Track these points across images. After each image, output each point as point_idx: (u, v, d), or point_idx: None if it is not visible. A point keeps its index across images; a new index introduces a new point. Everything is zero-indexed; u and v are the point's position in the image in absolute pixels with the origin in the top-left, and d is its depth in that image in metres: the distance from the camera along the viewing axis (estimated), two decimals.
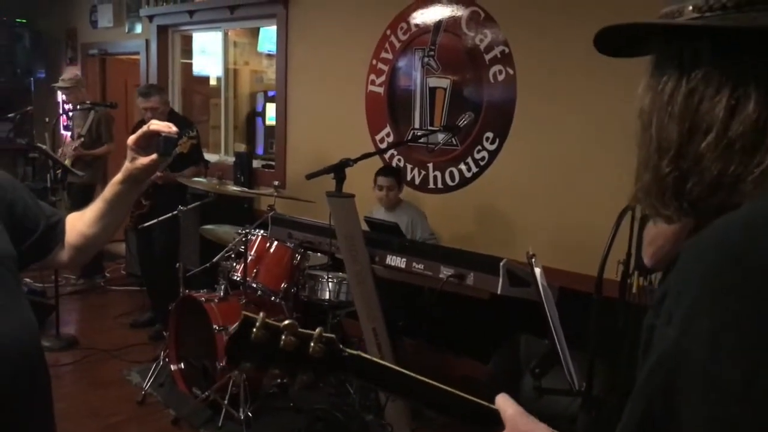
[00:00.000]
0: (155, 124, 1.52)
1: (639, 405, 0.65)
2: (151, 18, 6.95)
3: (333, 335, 1.04)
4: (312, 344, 1.01)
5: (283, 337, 1.00)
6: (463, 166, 4.44)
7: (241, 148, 6.85)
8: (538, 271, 2.02)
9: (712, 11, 0.70)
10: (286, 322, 1.01)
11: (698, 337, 0.60)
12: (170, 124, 1.53)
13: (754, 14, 0.67)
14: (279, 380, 3.85)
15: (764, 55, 0.67)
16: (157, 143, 1.52)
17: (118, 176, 1.57)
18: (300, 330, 1.01)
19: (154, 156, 1.52)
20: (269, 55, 6.75)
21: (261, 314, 1.03)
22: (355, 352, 1.06)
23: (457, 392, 1.05)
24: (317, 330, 1.02)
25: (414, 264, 2.62)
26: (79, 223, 1.63)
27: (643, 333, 0.69)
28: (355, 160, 2.80)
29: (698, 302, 0.61)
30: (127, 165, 1.55)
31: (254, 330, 0.99)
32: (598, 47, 0.81)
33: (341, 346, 1.04)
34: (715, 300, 0.60)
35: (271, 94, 6.71)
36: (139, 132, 1.53)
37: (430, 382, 1.06)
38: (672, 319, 0.62)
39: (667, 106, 0.73)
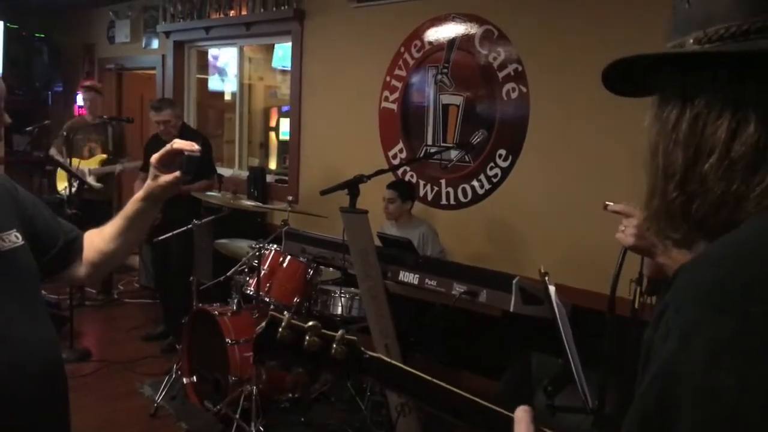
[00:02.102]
0: (178, 143, 1.55)
1: (637, 415, 0.67)
2: (168, 34, 7.04)
3: (354, 337, 1.08)
4: (335, 345, 1.05)
5: (307, 337, 1.04)
6: (475, 183, 4.45)
7: (255, 162, 6.90)
8: (552, 288, 2.02)
9: (711, 43, 0.73)
10: (311, 323, 1.06)
11: (696, 350, 0.61)
12: (193, 144, 1.56)
13: (750, 43, 0.71)
14: (291, 394, 3.86)
15: (762, 79, 0.70)
16: (180, 162, 1.55)
17: (140, 193, 1.60)
18: (324, 331, 1.06)
19: (177, 173, 1.55)
20: (283, 71, 6.81)
21: (286, 314, 1.07)
22: (375, 354, 1.10)
23: (474, 398, 1.08)
24: (340, 332, 1.06)
25: (427, 280, 2.64)
26: (97, 240, 1.66)
27: (643, 347, 0.71)
28: (369, 176, 2.83)
29: (697, 317, 0.63)
30: (149, 183, 1.58)
31: (280, 330, 1.04)
32: (607, 85, 0.85)
33: (362, 348, 1.08)
34: (714, 315, 0.62)
35: (285, 109, 6.77)
36: (163, 150, 1.56)
37: (448, 387, 1.09)
38: (670, 333, 0.64)
39: (672, 133, 0.76)
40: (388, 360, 1.11)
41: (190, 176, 1.56)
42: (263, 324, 1.06)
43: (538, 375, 3.95)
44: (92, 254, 1.66)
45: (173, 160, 1.56)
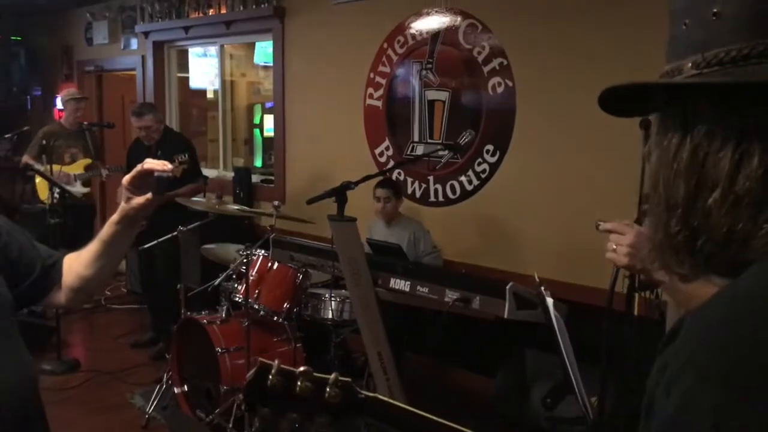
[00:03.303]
0: (149, 163, 1.50)
1: None
2: (146, 34, 6.93)
3: (349, 379, 1.05)
4: (328, 389, 1.03)
5: (299, 383, 1.02)
6: (464, 179, 4.40)
7: (240, 162, 6.82)
8: (550, 301, 1.98)
9: (710, 67, 0.69)
10: (301, 368, 1.03)
11: (699, 414, 0.59)
12: (165, 163, 1.51)
13: (752, 68, 0.66)
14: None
15: (765, 109, 0.66)
16: (152, 182, 1.49)
17: (114, 216, 1.54)
18: (315, 375, 1.04)
19: (148, 195, 1.50)
20: (266, 67, 6.72)
21: (276, 361, 1.05)
22: (371, 394, 1.07)
23: None
24: (333, 375, 1.04)
25: (418, 287, 2.59)
26: (75, 264, 1.60)
27: (646, 396, 0.69)
28: (357, 183, 2.77)
29: (699, 376, 0.61)
30: (122, 205, 1.53)
31: (270, 377, 1.02)
32: (603, 107, 0.81)
33: (357, 389, 1.06)
34: (718, 377, 0.60)
35: (268, 105, 6.69)
36: (134, 172, 1.51)
37: (449, 424, 1.06)
38: (672, 392, 0.62)
39: (672, 163, 0.72)
40: (386, 399, 1.09)
41: (162, 196, 1.51)
42: (252, 371, 1.04)
43: (533, 371, 3.93)
44: (72, 279, 1.60)
45: (145, 180, 1.50)
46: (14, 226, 1.58)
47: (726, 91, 0.68)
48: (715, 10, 0.69)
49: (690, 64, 0.71)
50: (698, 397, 0.60)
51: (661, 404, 0.64)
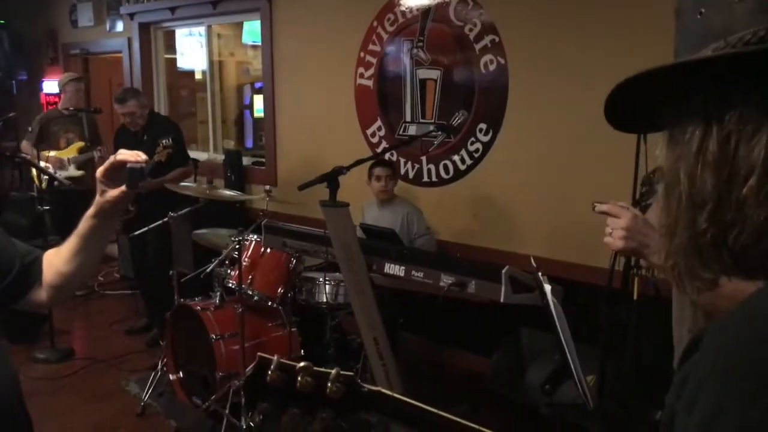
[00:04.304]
0: (122, 154, 1.45)
1: None
2: (132, 16, 6.82)
3: (351, 374, 1.05)
4: (329, 384, 1.02)
5: (299, 378, 1.02)
6: (457, 159, 4.36)
7: (230, 144, 6.74)
8: (548, 288, 1.95)
9: (735, 50, 0.65)
10: (302, 364, 1.03)
11: None
12: (139, 153, 1.46)
13: None
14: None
15: None
16: (125, 174, 1.44)
17: (90, 210, 1.49)
18: (316, 369, 1.03)
19: (123, 188, 1.45)
20: (254, 46, 6.63)
21: (275, 356, 1.04)
22: (375, 388, 1.07)
23: (480, 428, 1.03)
24: (334, 370, 1.03)
25: (413, 272, 2.56)
26: (55, 260, 1.55)
27: (664, 411, 0.67)
28: (349, 167, 2.72)
29: (723, 395, 0.58)
30: (97, 199, 1.48)
31: (269, 372, 1.02)
32: (609, 118, 0.77)
33: (360, 383, 1.05)
34: (742, 396, 0.57)
35: (258, 85, 6.60)
36: (107, 164, 1.46)
37: (453, 418, 1.05)
38: (694, 409, 0.60)
39: (698, 155, 0.67)
40: (389, 393, 1.08)
41: (136, 188, 1.46)
42: (251, 366, 1.03)
43: (529, 350, 3.92)
44: (52, 276, 1.55)
45: (119, 172, 1.45)
46: None
47: (758, 71, 0.64)
48: None
49: (710, 52, 0.66)
50: (721, 415, 0.58)
51: (682, 421, 0.62)
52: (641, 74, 0.69)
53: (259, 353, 1.07)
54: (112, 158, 1.45)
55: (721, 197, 0.66)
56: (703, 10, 0.68)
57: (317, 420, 1.05)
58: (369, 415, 1.08)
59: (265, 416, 1.06)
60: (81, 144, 5.81)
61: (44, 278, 1.54)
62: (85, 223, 1.50)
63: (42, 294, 1.55)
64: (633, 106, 0.74)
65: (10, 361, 1.45)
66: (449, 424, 1.05)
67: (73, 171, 5.66)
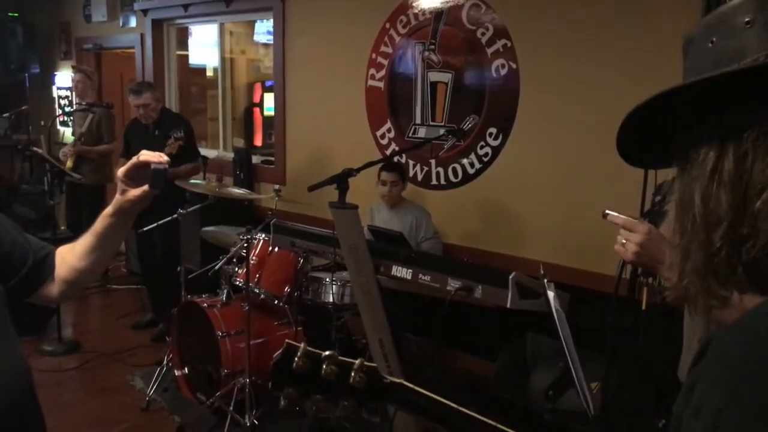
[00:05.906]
0: (145, 155, 1.46)
1: None
2: (145, 12, 6.85)
3: (374, 364, 1.09)
4: (353, 374, 1.07)
5: (324, 366, 1.06)
6: (466, 162, 4.36)
7: (240, 142, 6.76)
8: (551, 294, 1.95)
9: (756, 63, 0.66)
10: (327, 352, 1.08)
11: None
12: (161, 154, 1.47)
13: None
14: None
15: None
16: (148, 175, 1.46)
17: (109, 209, 1.51)
18: (341, 359, 1.08)
19: (145, 188, 1.46)
20: (266, 44, 6.64)
21: (302, 344, 1.09)
22: (397, 380, 1.11)
23: (499, 425, 1.07)
24: (359, 360, 1.08)
25: (420, 275, 2.56)
26: (69, 256, 1.57)
27: (672, 420, 0.68)
28: (359, 170, 2.73)
29: (729, 399, 0.60)
30: (117, 197, 1.49)
31: (296, 359, 1.06)
32: (622, 152, 0.79)
33: (383, 374, 1.09)
34: (748, 399, 0.59)
35: (268, 83, 6.61)
36: (129, 164, 1.47)
37: (470, 412, 1.08)
38: (701, 414, 0.61)
39: (713, 175, 0.68)
40: (410, 386, 1.11)
41: (158, 189, 1.47)
42: (279, 352, 1.08)
43: (534, 354, 3.92)
44: (65, 271, 1.57)
45: (141, 172, 1.46)
46: (5, 219, 1.55)
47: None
48: (747, 19, 0.67)
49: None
50: (728, 418, 0.59)
51: (689, 426, 0.63)
52: (656, 96, 0.70)
53: (287, 340, 1.11)
54: (135, 159, 1.46)
55: (737, 215, 0.67)
56: (714, 39, 0.70)
57: (340, 407, 1.09)
58: (390, 405, 1.12)
59: (290, 401, 1.08)
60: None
61: (57, 273, 1.56)
62: (102, 221, 1.51)
63: (54, 289, 1.57)
64: (644, 137, 0.76)
65: (23, 354, 1.47)
66: (466, 417, 1.08)
67: (69, 165, 5.63)
